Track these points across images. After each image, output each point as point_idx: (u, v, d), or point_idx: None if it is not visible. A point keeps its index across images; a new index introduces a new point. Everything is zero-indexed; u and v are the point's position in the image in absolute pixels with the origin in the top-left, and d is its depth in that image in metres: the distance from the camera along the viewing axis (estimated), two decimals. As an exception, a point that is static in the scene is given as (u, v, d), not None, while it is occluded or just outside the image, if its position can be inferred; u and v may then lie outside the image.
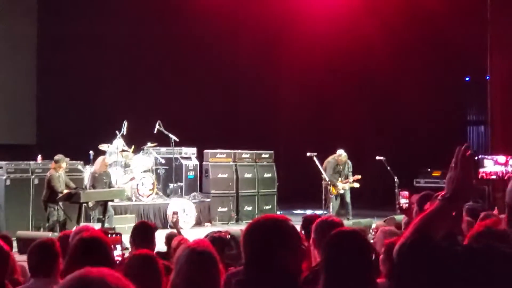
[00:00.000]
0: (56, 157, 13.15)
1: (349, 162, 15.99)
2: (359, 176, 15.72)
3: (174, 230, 10.76)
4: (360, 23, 20.02)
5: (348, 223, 12.13)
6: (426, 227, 2.51)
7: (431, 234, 2.50)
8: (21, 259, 6.93)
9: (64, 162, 13.20)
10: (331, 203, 15.46)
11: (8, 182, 13.64)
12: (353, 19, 19.91)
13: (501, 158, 15.58)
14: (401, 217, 11.43)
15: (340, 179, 15.62)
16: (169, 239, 8.12)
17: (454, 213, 2.65)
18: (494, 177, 15.37)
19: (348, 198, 15.83)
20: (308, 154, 15.39)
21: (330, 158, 15.82)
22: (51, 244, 4.84)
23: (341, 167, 15.73)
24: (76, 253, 3.90)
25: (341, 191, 15.56)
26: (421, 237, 2.47)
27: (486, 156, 15.78)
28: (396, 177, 15.55)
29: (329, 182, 15.44)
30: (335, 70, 20.90)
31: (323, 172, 15.46)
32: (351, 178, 15.72)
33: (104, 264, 3.52)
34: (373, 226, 11.92)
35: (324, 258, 3.29)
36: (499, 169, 15.41)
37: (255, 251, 3.21)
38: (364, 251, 3.27)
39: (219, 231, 7.88)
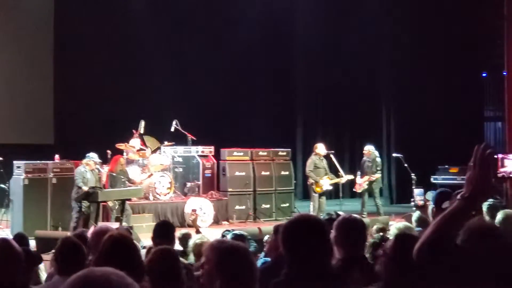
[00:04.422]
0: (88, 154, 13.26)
1: (378, 160, 15.84)
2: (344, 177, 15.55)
3: (191, 229, 10.77)
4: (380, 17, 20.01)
5: (365, 220, 12.06)
6: (445, 227, 2.51)
7: (451, 233, 2.50)
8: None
9: (92, 161, 13.24)
10: (311, 203, 15.15)
11: (26, 182, 13.71)
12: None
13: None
14: (418, 214, 11.40)
15: (327, 176, 15.15)
16: (184, 238, 8.15)
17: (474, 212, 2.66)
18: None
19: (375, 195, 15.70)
20: (325, 151, 15.32)
21: (313, 155, 15.40)
22: (80, 242, 4.88)
23: (323, 164, 15.25)
24: (105, 252, 3.92)
25: (326, 188, 15.12)
26: (441, 237, 2.48)
27: (507, 156, 15.65)
28: (413, 174, 15.50)
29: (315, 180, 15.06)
30: (346, 67, 20.88)
31: (339, 169, 15.43)
32: (344, 178, 15.51)
33: (131, 264, 3.57)
34: (390, 223, 11.89)
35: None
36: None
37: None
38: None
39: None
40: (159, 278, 3.78)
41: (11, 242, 4.49)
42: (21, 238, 7.51)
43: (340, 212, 9.53)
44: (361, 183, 15.57)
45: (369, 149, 15.76)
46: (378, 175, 15.57)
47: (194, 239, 7.50)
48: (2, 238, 4.94)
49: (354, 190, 16.16)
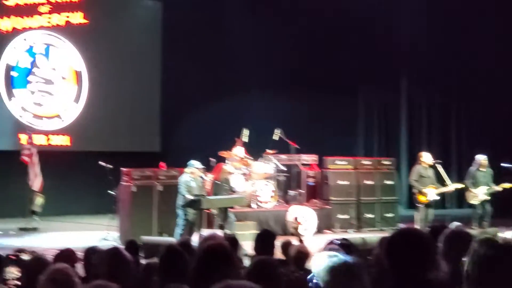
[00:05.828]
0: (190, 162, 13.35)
1: (491, 170, 15.35)
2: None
3: (293, 238, 10.74)
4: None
5: (474, 232, 11.65)
6: None
7: None
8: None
9: (195, 168, 13.30)
10: (416, 213, 14.70)
11: (134, 189, 14.07)
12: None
13: None
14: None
15: (433, 185, 14.64)
16: (285, 247, 8.12)
17: None
18: None
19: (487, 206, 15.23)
20: (431, 161, 14.93)
21: (417, 164, 14.99)
22: (182, 250, 4.94)
23: (428, 173, 14.71)
24: (203, 261, 3.95)
25: (432, 198, 14.55)
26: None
27: None
28: (526, 184, 14.93)
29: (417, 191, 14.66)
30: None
31: (446, 179, 15.01)
32: (452, 186, 15.02)
33: (229, 272, 3.59)
34: (500, 235, 11.49)
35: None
36: None
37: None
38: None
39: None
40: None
41: (121, 251, 4.66)
42: (131, 245, 7.88)
43: (453, 224, 9.23)
44: (479, 194, 15.09)
45: (486, 160, 15.32)
46: (509, 184, 15.07)
47: (295, 247, 7.45)
48: (114, 246, 5.12)
49: (468, 201, 15.57)
